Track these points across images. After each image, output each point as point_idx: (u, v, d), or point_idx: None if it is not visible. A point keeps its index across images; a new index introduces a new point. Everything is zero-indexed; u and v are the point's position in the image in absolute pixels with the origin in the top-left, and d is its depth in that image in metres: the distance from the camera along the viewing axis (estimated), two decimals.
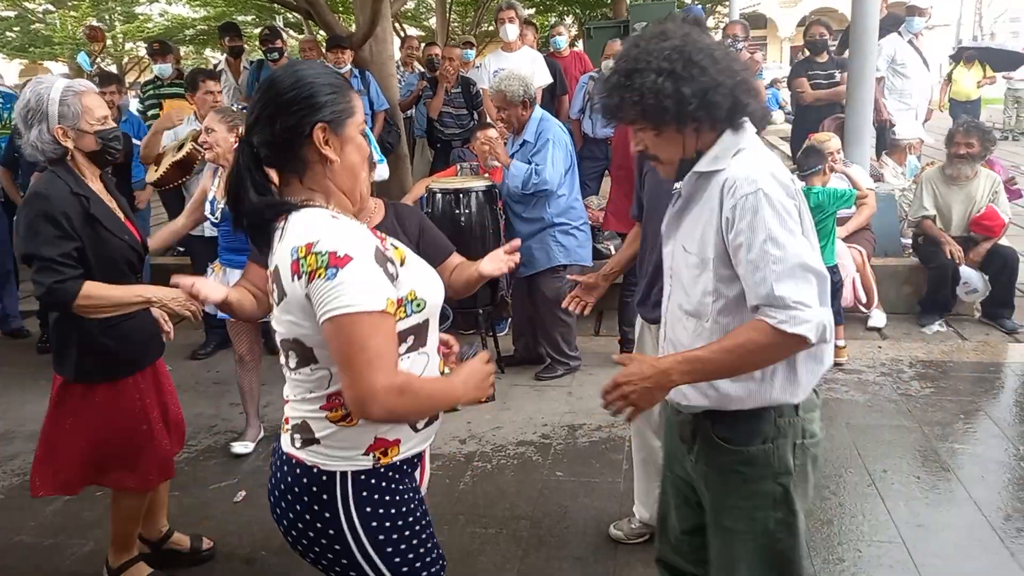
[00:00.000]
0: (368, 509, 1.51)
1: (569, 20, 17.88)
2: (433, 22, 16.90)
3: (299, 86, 1.44)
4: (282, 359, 1.54)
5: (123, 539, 2.71)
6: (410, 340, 1.49)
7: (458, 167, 5.24)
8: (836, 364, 4.38)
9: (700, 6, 8.29)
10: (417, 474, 1.66)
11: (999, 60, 10.87)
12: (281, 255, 1.42)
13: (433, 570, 1.62)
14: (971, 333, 4.94)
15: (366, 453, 1.50)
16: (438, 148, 6.59)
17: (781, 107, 15.13)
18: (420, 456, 1.64)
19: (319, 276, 1.34)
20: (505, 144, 4.52)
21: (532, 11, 15.76)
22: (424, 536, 1.60)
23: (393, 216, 2.39)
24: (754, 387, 1.64)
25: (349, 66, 6.12)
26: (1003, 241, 5.10)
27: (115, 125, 2.47)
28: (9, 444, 3.96)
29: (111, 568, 2.73)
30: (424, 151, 7.18)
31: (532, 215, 4.29)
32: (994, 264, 4.95)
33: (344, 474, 1.49)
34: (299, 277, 1.37)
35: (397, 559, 1.54)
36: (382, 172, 4.61)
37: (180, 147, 4.40)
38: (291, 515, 1.53)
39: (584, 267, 4.44)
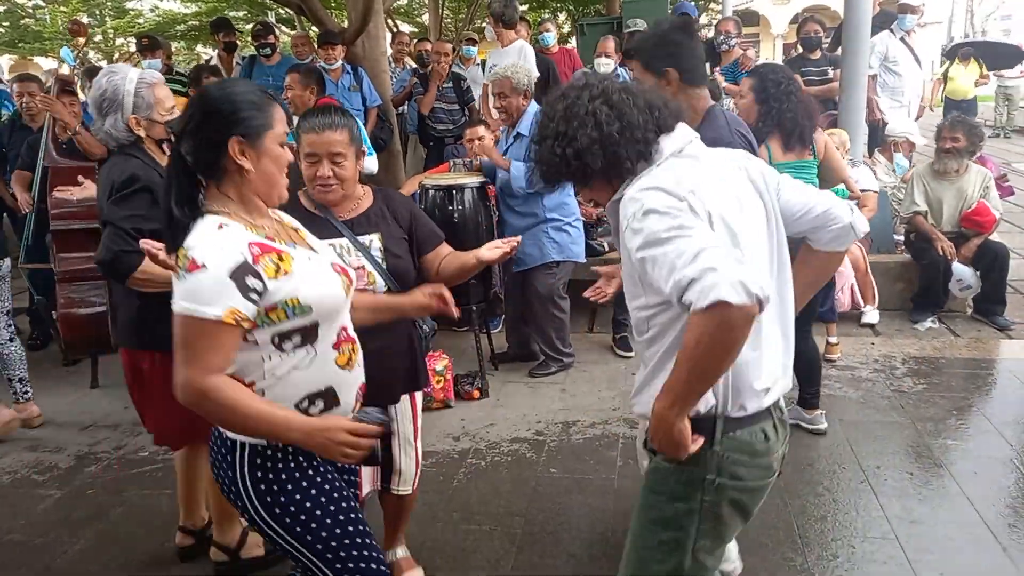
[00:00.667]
0: (262, 486, 1.68)
1: (562, 17, 17.87)
2: (426, 18, 16.85)
3: (223, 102, 1.62)
4: None
5: (225, 511, 2.76)
6: (296, 339, 1.66)
7: (451, 163, 5.23)
8: (829, 360, 4.40)
9: (692, 3, 8.27)
10: (328, 467, 1.78)
11: (995, 55, 10.67)
12: None
13: (361, 565, 1.72)
14: (963, 329, 4.95)
15: None
16: (431, 145, 6.57)
17: None
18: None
19: (177, 274, 1.56)
20: (497, 142, 4.51)
21: (525, 7, 15.73)
22: (338, 526, 1.71)
23: (382, 202, 2.39)
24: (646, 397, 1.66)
25: (341, 62, 6.09)
26: (994, 237, 5.12)
27: (179, 115, 2.55)
28: (1, 443, 3.93)
29: (228, 547, 2.78)
30: (417, 148, 7.16)
31: (525, 211, 4.28)
32: (985, 260, 4.97)
33: (242, 444, 1.69)
34: (176, 273, 1.58)
35: (309, 537, 1.69)
36: (370, 165, 4.58)
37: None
38: (216, 471, 1.77)
39: (577, 263, 4.44)
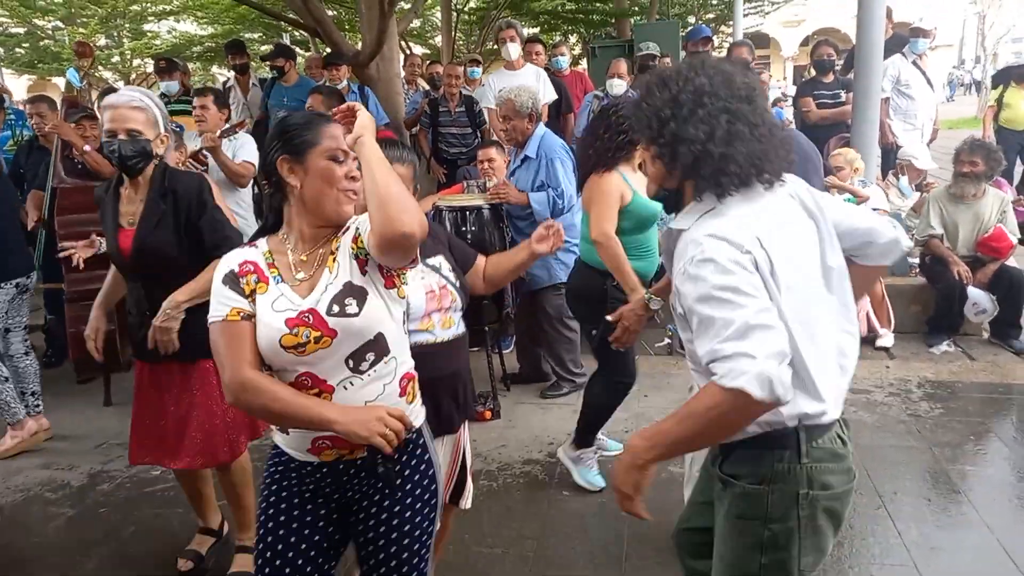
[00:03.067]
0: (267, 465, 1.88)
1: (573, 39, 17.99)
2: (439, 40, 17.00)
3: (276, 128, 1.76)
4: None
5: (249, 511, 2.85)
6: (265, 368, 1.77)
7: (465, 184, 5.25)
8: None
9: (701, 25, 8.34)
10: (295, 468, 1.82)
11: None
12: None
13: (259, 547, 1.83)
14: (979, 353, 4.91)
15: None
16: (444, 168, 6.60)
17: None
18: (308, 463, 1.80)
19: None
20: (507, 163, 4.54)
21: (536, 30, 15.86)
22: (261, 514, 1.84)
23: (426, 237, 2.42)
24: None
25: (346, 82, 6.16)
26: (1010, 262, 5.08)
27: None
28: (14, 459, 3.94)
29: (247, 546, 2.86)
30: (430, 169, 7.19)
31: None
32: (1002, 285, 4.93)
33: None
34: None
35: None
36: None
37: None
38: None
39: None
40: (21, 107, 7.80)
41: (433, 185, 6.69)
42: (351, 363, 1.71)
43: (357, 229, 1.75)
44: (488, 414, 4.20)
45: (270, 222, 1.81)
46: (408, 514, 1.82)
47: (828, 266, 1.69)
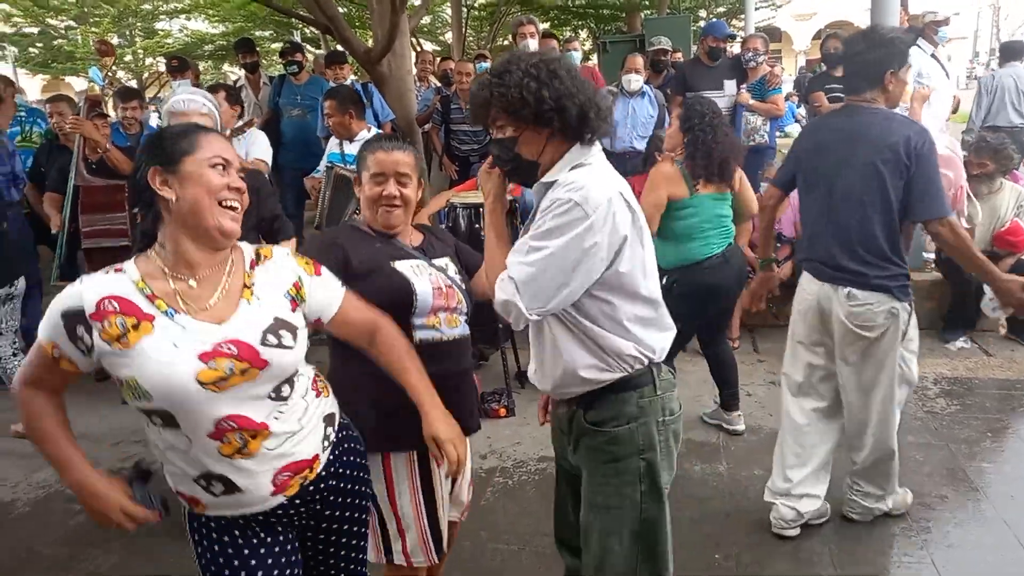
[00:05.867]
0: (195, 537, 1.71)
1: (584, 34, 17.95)
2: (449, 37, 17.00)
3: (147, 139, 1.64)
4: None
5: None
6: (157, 420, 1.56)
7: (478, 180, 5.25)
8: None
9: (722, 21, 8.29)
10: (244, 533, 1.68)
11: None
12: None
13: None
14: (996, 349, 4.87)
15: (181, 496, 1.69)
16: (457, 164, 6.61)
17: (797, 120, 15.06)
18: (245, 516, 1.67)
19: None
20: None
21: (547, 24, 15.83)
22: None
23: (431, 234, 2.40)
24: (602, 366, 1.81)
25: (350, 80, 6.17)
26: None
27: None
28: (35, 457, 3.97)
29: None
30: (443, 166, 7.20)
31: None
32: None
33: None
34: None
35: None
36: None
37: None
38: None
39: None
40: (35, 106, 7.87)
41: (446, 182, 6.70)
42: (272, 395, 1.60)
43: (300, 278, 1.69)
44: (503, 411, 4.21)
45: (140, 245, 1.60)
46: (350, 512, 1.83)
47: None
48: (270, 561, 1.68)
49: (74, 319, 1.49)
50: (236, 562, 1.65)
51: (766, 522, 3.00)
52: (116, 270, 1.55)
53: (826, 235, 2.77)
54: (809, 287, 2.88)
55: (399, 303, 2.01)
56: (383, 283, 2.03)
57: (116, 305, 1.49)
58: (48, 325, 1.51)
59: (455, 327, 2.21)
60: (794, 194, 3.04)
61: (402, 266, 2.08)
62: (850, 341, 2.77)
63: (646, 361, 1.83)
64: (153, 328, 1.49)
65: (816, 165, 2.84)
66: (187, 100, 2.52)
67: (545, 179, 1.80)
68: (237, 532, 1.66)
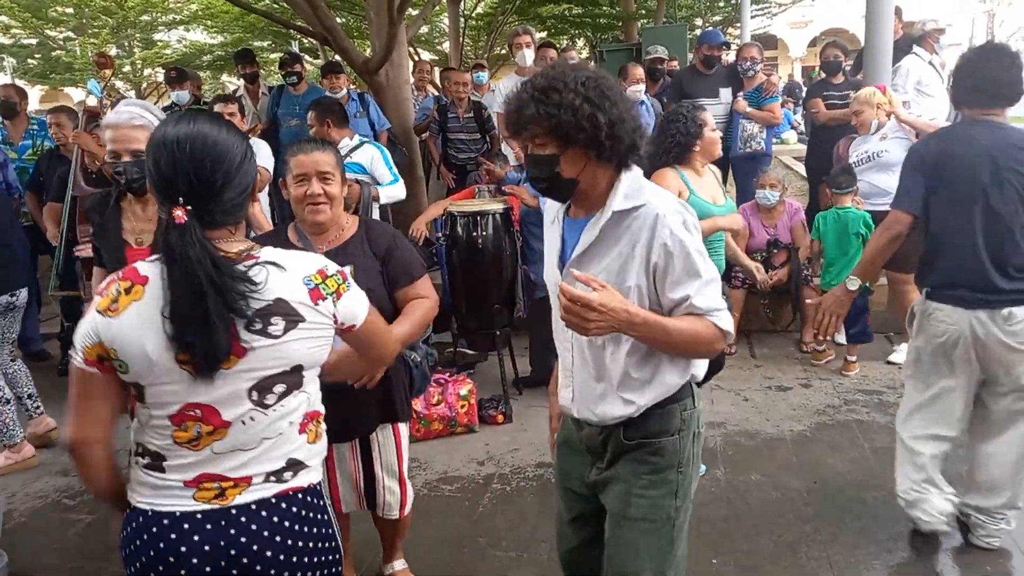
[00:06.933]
0: None
1: (581, 43, 18.02)
2: (447, 46, 17.07)
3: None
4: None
5: None
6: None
7: (476, 189, 5.27)
8: (845, 376, 4.56)
9: (716, 29, 8.33)
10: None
11: None
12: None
13: None
14: None
15: None
16: (454, 173, 6.63)
17: (794, 127, 15.13)
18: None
19: None
20: (513, 166, 4.60)
21: (544, 33, 15.89)
22: None
23: (364, 232, 2.41)
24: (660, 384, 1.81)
25: (346, 90, 6.20)
26: None
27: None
28: (33, 467, 3.98)
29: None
30: (440, 175, 7.23)
31: None
32: None
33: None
34: None
35: None
36: (397, 192, 4.61)
37: None
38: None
39: None
40: (43, 117, 7.88)
41: (443, 191, 6.73)
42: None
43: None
44: (500, 417, 4.22)
45: None
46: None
47: None
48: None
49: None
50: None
51: (763, 527, 3.01)
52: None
53: (978, 257, 2.62)
54: (951, 317, 2.67)
55: None
56: None
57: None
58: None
59: None
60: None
61: None
62: (1017, 362, 2.64)
63: (689, 374, 1.85)
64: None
65: (963, 182, 2.64)
66: (120, 111, 2.52)
67: (624, 206, 1.72)
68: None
